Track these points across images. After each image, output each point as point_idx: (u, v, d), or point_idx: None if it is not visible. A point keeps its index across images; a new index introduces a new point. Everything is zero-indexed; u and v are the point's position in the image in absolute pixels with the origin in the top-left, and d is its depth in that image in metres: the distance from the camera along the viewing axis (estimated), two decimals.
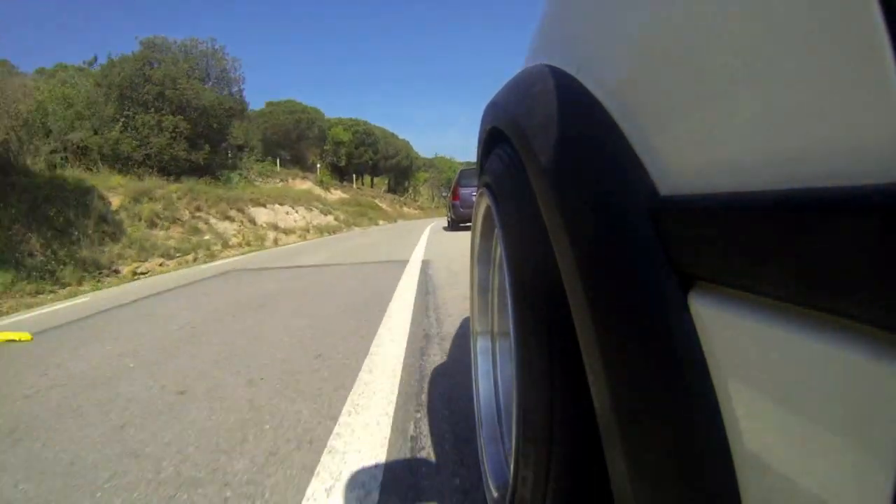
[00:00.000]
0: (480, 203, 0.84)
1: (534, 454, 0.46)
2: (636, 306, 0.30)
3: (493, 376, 0.89)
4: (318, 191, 19.22)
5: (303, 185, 18.80)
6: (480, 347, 0.94)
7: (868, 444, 0.17)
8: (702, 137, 0.28)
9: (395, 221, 19.21)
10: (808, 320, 0.20)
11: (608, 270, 0.33)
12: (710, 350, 0.25)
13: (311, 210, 13.65)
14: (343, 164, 28.37)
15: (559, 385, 0.44)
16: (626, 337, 0.31)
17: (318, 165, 23.05)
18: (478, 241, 0.92)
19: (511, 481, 0.52)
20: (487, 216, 0.84)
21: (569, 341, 0.42)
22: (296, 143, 26.89)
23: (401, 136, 38.21)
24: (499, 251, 0.82)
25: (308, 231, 11.78)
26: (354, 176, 28.32)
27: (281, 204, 12.20)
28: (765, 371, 0.22)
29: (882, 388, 0.17)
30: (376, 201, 23.71)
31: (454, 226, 9.06)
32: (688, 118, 0.29)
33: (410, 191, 38.48)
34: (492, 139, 0.70)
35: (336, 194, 20.79)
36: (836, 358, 0.18)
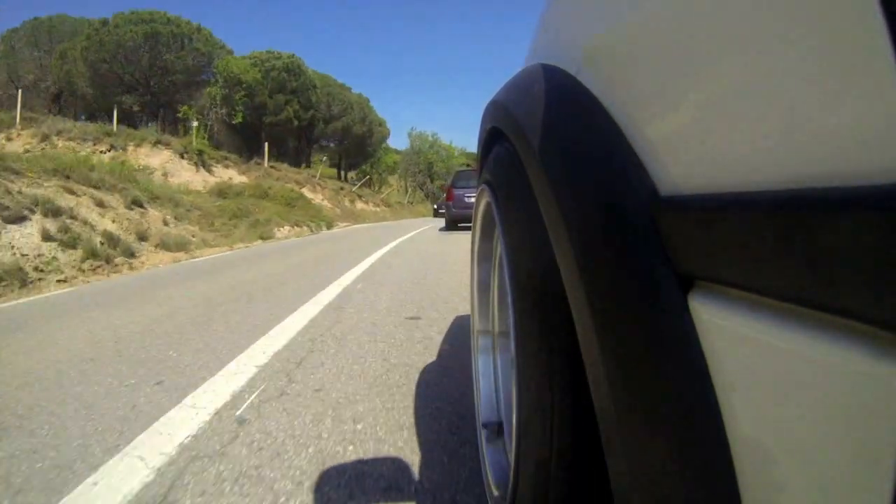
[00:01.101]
0: (481, 201, 0.84)
1: (534, 454, 0.46)
2: (636, 306, 0.30)
3: (493, 375, 0.89)
4: (180, 169, 10.82)
5: (152, 157, 10.60)
6: (481, 346, 0.94)
7: (868, 445, 0.17)
8: (702, 137, 0.28)
9: (330, 228, 10.74)
10: (808, 320, 0.20)
11: (608, 270, 0.33)
12: (710, 350, 0.25)
13: None
14: (239, 119, 15.27)
15: (559, 384, 0.44)
16: (626, 337, 0.31)
17: (196, 124, 12.08)
18: (478, 238, 0.92)
19: (512, 481, 0.52)
20: (488, 214, 0.84)
21: (569, 340, 0.42)
22: (155, 80, 15.17)
23: (355, 91, 23.85)
24: (499, 249, 0.82)
25: None
26: (267, 145, 15.26)
27: None
28: (765, 371, 0.22)
29: (882, 388, 0.17)
30: (303, 191, 13.61)
31: (450, 226, 8.90)
32: (688, 118, 0.29)
33: (374, 178, 25.88)
34: (492, 138, 0.70)
35: (221, 175, 11.73)
36: (836, 358, 0.18)
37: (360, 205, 18.09)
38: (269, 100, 17.33)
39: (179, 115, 13.20)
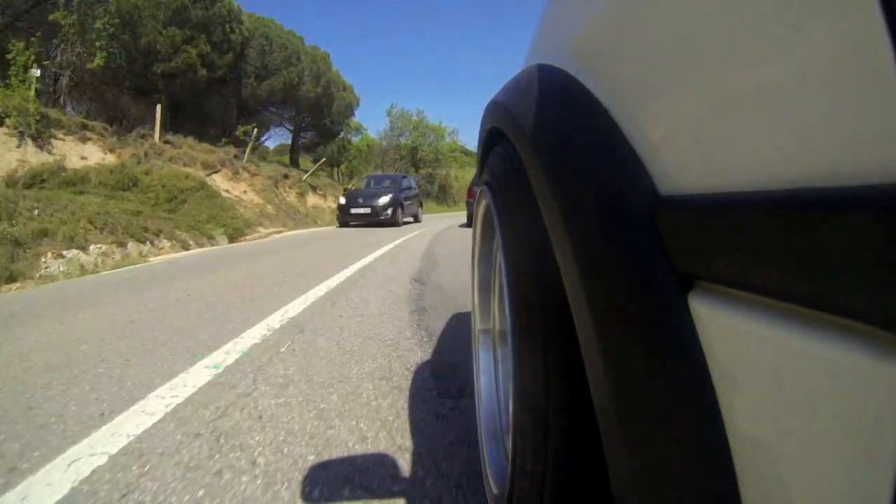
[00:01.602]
0: (481, 201, 0.84)
1: (533, 452, 0.46)
2: (636, 306, 0.30)
3: (493, 374, 0.89)
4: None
5: None
6: (481, 345, 0.95)
7: (868, 445, 0.17)
8: (702, 137, 0.28)
9: (234, 240, 6.43)
10: (808, 320, 0.20)
11: (608, 270, 0.33)
12: (710, 350, 0.25)
13: None
14: (99, 62, 8.67)
15: (558, 384, 0.44)
16: (626, 337, 0.31)
17: (37, 72, 7.17)
18: (479, 239, 0.92)
19: (510, 479, 0.52)
20: (488, 214, 0.84)
21: (568, 341, 0.42)
22: None
23: (309, 43, 15.80)
24: (499, 250, 0.83)
25: None
26: (161, 109, 9.55)
27: None
28: (765, 371, 0.22)
29: (882, 389, 0.17)
30: (214, 178, 9.06)
31: (470, 221, 8.91)
32: (688, 118, 0.29)
33: (343, 167, 19.69)
34: (492, 138, 0.70)
35: (70, 152, 7.15)
36: (836, 358, 0.18)
37: (312, 199, 12.77)
38: (159, 36, 10.38)
39: (9, 57, 7.33)
